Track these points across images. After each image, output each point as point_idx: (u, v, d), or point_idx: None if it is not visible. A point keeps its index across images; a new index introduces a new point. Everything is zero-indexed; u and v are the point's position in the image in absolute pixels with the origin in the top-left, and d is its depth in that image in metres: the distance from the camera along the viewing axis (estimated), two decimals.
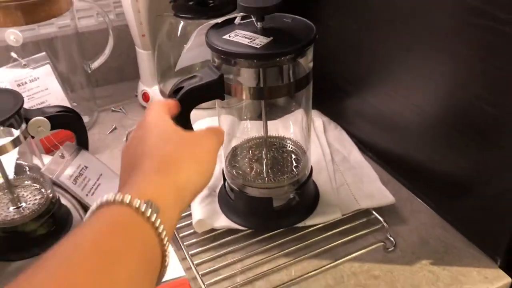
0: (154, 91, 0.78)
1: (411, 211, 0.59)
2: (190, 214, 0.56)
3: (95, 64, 0.77)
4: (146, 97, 0.80)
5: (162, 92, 0.77)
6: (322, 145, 0.65)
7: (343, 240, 0.54)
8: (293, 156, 0.58)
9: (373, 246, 0.53)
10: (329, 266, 0.51)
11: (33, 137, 0.51)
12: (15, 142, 0.49)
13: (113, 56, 0.78)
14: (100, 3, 0.81)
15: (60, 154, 0.52)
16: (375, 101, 0.64)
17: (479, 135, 0.50)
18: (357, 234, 0.54)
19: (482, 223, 0.53)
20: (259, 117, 0.56)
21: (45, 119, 0.49)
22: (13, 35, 0.66)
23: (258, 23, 0.47)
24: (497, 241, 0.51)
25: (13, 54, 0.67)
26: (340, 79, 0.69)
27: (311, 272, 0.51)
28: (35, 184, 0.56)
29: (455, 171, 0.55)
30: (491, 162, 0.50)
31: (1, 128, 0.48)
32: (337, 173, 0.61)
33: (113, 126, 0.76)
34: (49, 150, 0.63)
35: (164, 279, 0.49)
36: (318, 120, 0.71)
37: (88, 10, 0.82)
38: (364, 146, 0.67)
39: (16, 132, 0.49)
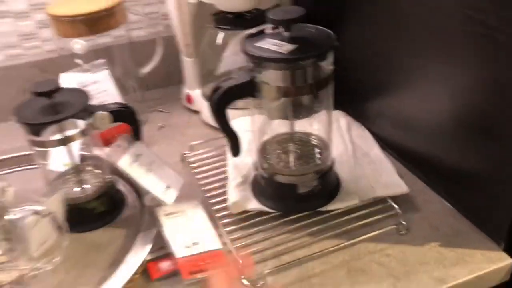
0: (196, 93, 0.88)
1: (424, 201, 0.65)
2: (225, 199, 0.64)
3: (146, 70, 0.88)
4: (189, 99, 0.89)
5: (203, 95, 0.86)
6: (345, 141, 0.73)
7: (360, 223, 0.61)
8: (317, 149, 0.65)
9: (387, 228, 0.60)
10: (346, 243, 0.58)
11: (96, 129, 0.61)
12: (83, 132, 0.59)
13: (161, 63, 0.88)
14: (151, 16, 0.92)
15: (118, 143, 0.62)
16: (393, 102, 0.70)
17: (486, 133, 0.56)
18: (373, 218, 0.61)
19: (488, 211, 0.59)
20: (287, 117, 0.63)
21: (107, 113, 0.59)
22: (79, 44, 0.77)
23: (285, 33, 0.55)
24: (500, 226, 0.57)
25: (78, 61, 0.78)
26: (362, 83, 0.76)
27: (330, 248, 0.58)
28: (96, 170, 0.66)
29: (466, 165, 0.60)
30: (496, 158, 0.56)
31: (72, 120, 0.58)
32: (357, 166, 0.68)
33: (161, 125, 0.86)
34: (106, 143, 0.73)
35: (202, 251, 0.58)
36: (343, 120, 0.78)
37: (140, 23, 0.93)
38: (385, 144, 0.74)
39: (84, 124, 0.59)
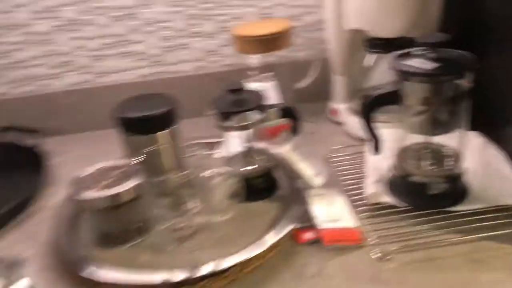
0: (342, 107, 1.02)
1: None
2: (362, 192, 0.77)
3: (301, 85, 1.05)
4: (335, 112, 1.04)
5: (349, 109, 1.00)
6: (478, 156, 0.80)
7: (483, 224, 0.68)
8: (449, 159, 0.74)
9: (509, 231, 0.66)
10: (468, 237, 0.66)
11: (266, 122, 0.78)
12: (257, 123, 0.76)
13: (315, 80, 1.04)
14: (311, 40, 1.09)
15: (282, 136, 0.78)
16: None
17: None
18: (497, 222, 0.68)
19: None
20: (424, 132, 0.73)
21: (276, 110, 0.76)
22: (254, 60, 0.96)
23: (430, 54, 0.67)
24: None
25: (251, 72, 0.97)
26: (500, 106, 0.83)
27: (452, 239, 0.66)
28: (259, 157, 0.83)
29: None
30: None
31: (250, 112, 0.75)
32: (487, 177, 0.75)
33: (310, 131, 1.01)
34: (270, 137, 0.90)
35: (340, 226, 0.70)
36: (478, 139, 0.85)
37: (301, 46, 1.10)
38: None
39: (258, 116, 0.76)
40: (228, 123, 0.75)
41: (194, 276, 0.63)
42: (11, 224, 0.82)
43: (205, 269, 0.63)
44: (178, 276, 0.63)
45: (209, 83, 1.09)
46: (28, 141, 1.01)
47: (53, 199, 0.87)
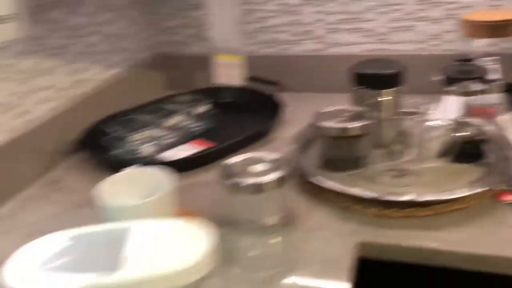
0: None
1: None
2: None
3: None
4: None
5: None
6: None
7: None
8: None
9: None
10: None
11: (486, 93, 0.86)
12: (479, 92, 0.85)
13: None
14: None
15: (497, 111, 0.86)
16: None
17: None
18: None
19: None
20: None
21: (498, 84, 0.84)
22: (478, 44, 1.04)
23: None
24: None
25: (474, 55, 1.05)
26: None
27: None
28: (474, 126, 0.91)
29: None
30: None
31: (475, 82, 0.85)
32: None
33: None
34: (478, 114, 0.97)
35: None
36: None
37: None
38: None
39: (481, 87, 0.85)
40: (451, 88, 0.86)
41: (402, 200, 0.75)
42: (251, 146, 1.06)
43: (411, 197, 0.76)
44: (389, 197, 0.76)
45: (427, 64, 1.19)
46: (268, 90, 1.25)
47: (284, 134, 1.09)
